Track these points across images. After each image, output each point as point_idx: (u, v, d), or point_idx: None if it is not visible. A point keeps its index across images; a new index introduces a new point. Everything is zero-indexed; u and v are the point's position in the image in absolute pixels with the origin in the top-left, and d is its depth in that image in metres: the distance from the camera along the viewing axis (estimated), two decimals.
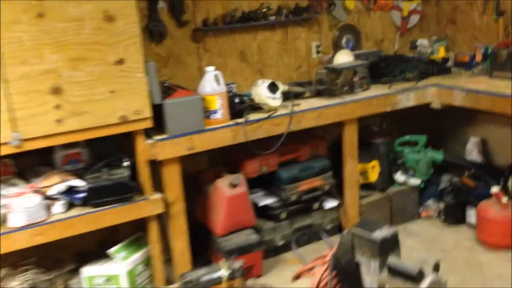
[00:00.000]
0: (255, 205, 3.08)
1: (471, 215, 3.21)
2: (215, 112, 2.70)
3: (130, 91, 2.41)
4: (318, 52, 3.52)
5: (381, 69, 3.33)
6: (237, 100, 2.86)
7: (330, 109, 2.95)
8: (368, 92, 3.16)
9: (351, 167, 3.15)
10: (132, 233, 2.85)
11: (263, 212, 3.14)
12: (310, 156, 3.18)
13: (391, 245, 1.85)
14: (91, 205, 2.42)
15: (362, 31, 3.68)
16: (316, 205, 3.23)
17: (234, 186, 2.86)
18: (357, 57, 3.22)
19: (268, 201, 3.12)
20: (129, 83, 2.41)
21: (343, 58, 3.05)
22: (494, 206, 2.95)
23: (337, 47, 3.55)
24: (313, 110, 2.91)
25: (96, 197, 2.41)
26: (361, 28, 3.67)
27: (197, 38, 3.15)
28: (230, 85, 3.11)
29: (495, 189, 2.97)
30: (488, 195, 3.05)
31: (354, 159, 3.15)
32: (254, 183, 3.11)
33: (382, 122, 3.59)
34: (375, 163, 3.24)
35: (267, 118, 2.79)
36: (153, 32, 2.99)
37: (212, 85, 2.69)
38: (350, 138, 3.11)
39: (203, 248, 3.08)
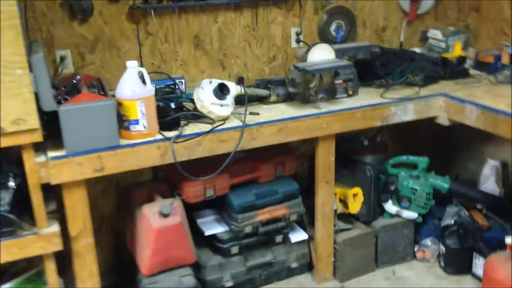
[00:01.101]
0: (201, 233, 2.44)
1: (479, 265, 2.48)
2: (136, 122, 2.02)
3: (7, 94, 1.75)
4: (299, 41, 2.77)
5: (376, 68, 2.57)
6: (173, 105, 2.16)
7: (297, 122, 2.23)
8: (354, 100, 2.40)
9: (325, 195, 2.45)
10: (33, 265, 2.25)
11: (211, 242, 2.50)
12: (274, 177, 2.50)
13: None
14: None
15: (359, 16, 2.89)
16: (279, 238, 2.56)
17: (165, 216, 2.22)
18: (343, 52, 2.46)
19: (217, 230, 2.47)
20: (5, 82, 1.74)
21: (320, 55, 2.29)
22: (507, 264, 2.20)
23: (324, 35, 2.79)
24: (273, 123, 2.20)
25: None
26: (357, 12, 2.87)
27: (135, 17, 2.44)
28: (177, 81, 2.42)
29: (509, 240, 2.23)
30: (503, 243, 2.31)
31: (330, 185, 2.44)
32: (205, 202, 2.46)
33: (376, 133, 2.83)
34: (358, 190, 2.51)
35: (208, 132, 2.10)
36: (73, 7, 2.30)
37: (133, 86, 2.00)
38: (325, 159, 2.39)
39: (133, 284, 2.47)
